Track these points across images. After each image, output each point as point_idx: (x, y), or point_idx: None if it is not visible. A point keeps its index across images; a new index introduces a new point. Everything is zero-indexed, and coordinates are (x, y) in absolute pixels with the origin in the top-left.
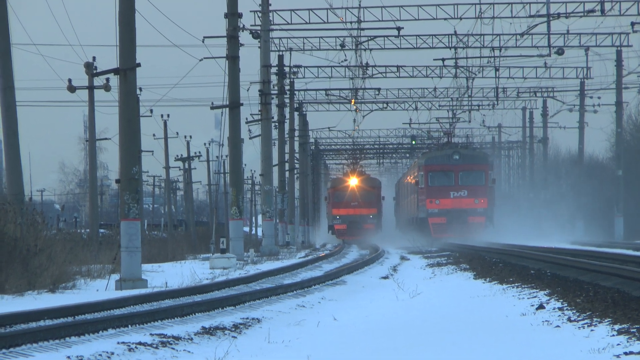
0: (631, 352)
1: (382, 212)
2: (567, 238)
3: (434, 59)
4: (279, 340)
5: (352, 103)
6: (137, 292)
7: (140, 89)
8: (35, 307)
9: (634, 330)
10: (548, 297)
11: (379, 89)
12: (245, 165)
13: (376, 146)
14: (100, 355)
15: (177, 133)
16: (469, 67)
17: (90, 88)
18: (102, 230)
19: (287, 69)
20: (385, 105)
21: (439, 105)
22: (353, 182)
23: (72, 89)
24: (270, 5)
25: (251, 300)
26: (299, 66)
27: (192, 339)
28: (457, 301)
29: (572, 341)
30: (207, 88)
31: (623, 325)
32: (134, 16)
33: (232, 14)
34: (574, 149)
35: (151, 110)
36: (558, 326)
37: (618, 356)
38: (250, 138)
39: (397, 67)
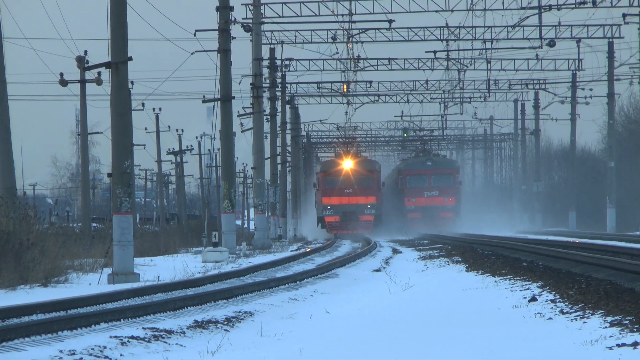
0: (624, 344)
1: (383, 201)
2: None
3: (426, 52)
4: (272, 334)
5: (345, 89)
6: (130, 286)
7: (132, 83)
8: (27, 302)
9: (627, 322)
10: (540, 289)
11: (370, 82)
12: (237, 158)
13: (368, 139)
14: (92, 349)
15: (169, 127)
16: (460, 59)
17: (82, 82)
18: (94, 224)
19: (278, 62)
20: (377, 97)
21: (431, 98)
22: (347, 164)
23: (64, 82)
24: None
25: (243, 294)
26: (290, 59)
27: (184, 333)
28: (449, 294)
29: (564, 333)
30: (198, 81)
31: (615, 317)
32: (125, 10)
33: (224, 7)
34: (566, 141)
35: (143, 104)
36: (550, 318)
37: (610, 348)
38: (242, 131)
39: (389, 59)
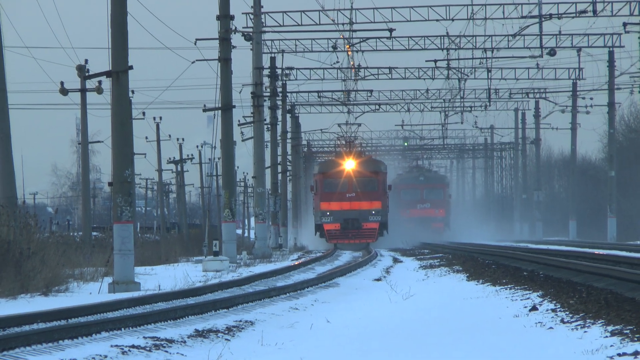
0: (624, 354)
1: (389, 206)
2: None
3: (426, 61)
4: (272, 343)
5: (345, 98)
6: (130, 295)
7: (133, 92)
8: (28, 311)
9: (627, 331)
10: (541, 299)
11: (371, 91)
12: (237, 167)
13: (369, 148)
14: (93, 358)
15: (170, 135)
16: (461, 68)
17: (83, 91)
18: (94, 233)
19: (279, 71)
20: (377, 107)
21: (431, 107)
22: (349, 165)
23: (64, 91)
24: (262, 7)
25: (244, 303)
26: (291, 68)
27: (185, 342)
28: (450, 303)
29: (565, 342)
30: (199, 90)
31: (616, 327)
32: (125, 19)
33: (224, 16)
34: (566, 150)
35: (143, 113)
36: (551, 327)
37: (611, 357)
38: (243, 140)
39: (389, 68)
